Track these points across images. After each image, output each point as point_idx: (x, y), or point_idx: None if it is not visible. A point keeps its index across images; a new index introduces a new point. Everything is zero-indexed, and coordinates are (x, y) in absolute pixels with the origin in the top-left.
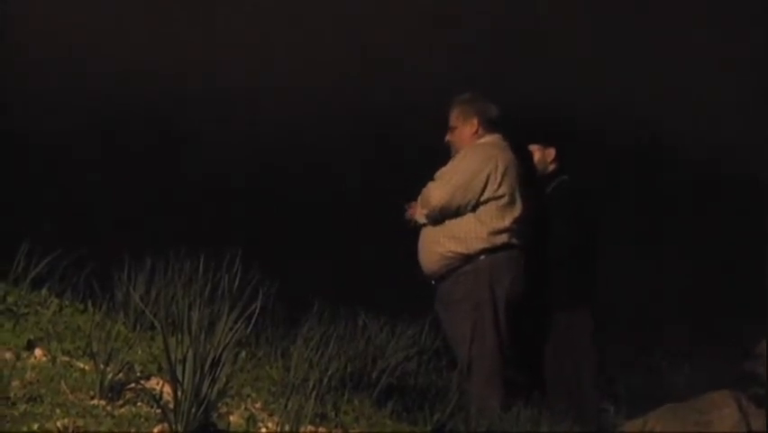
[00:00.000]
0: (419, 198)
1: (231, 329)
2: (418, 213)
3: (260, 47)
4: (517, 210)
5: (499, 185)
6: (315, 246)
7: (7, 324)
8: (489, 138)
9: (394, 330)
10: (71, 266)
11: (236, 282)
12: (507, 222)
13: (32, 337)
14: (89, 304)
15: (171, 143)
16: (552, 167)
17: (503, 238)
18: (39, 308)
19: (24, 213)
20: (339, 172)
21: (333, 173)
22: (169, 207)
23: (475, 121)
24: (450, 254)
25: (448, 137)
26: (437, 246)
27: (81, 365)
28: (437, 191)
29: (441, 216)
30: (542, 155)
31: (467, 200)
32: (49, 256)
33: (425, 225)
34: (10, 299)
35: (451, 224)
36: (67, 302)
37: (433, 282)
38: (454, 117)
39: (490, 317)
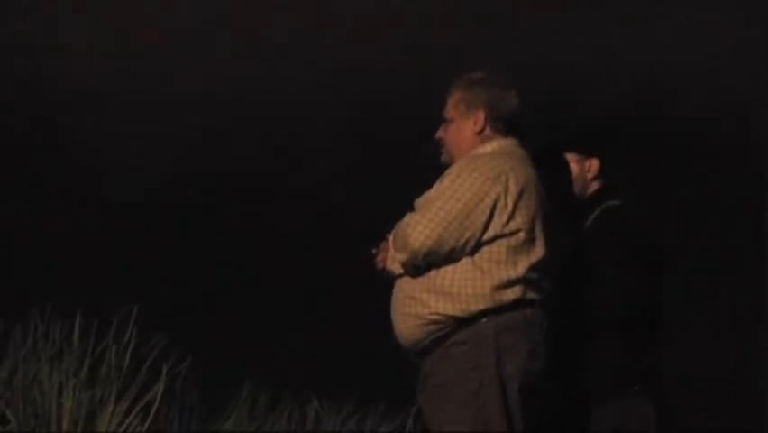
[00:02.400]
0: (392, 236)
1: (120, 424)
2: (390, 259)
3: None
4: (537, 253)
5: (510, 216)
6: (250, 298)
7: None
8: (499, 143)
9: (362, 426)
10: None
11: (128, 355)
12: (520, 270)
13: None
14: None
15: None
16: (594, 186)
17: (514, 293)
18: None
19: None
20: (306, 191)
21: (290, 190)
22: (37, 242)
23: (481, 115)
24: (436, 317)
25: (440, 133)
26: (418, 306)
27: None
28: (419, 228)
29: (424, 264)
30: (579, 168)
31: (463, 240)
32: None
33: (401, 275)
34: None
35: (438, 274)
36: None
37: (414, 358)
38: (452, 105)
39: (498, 407)
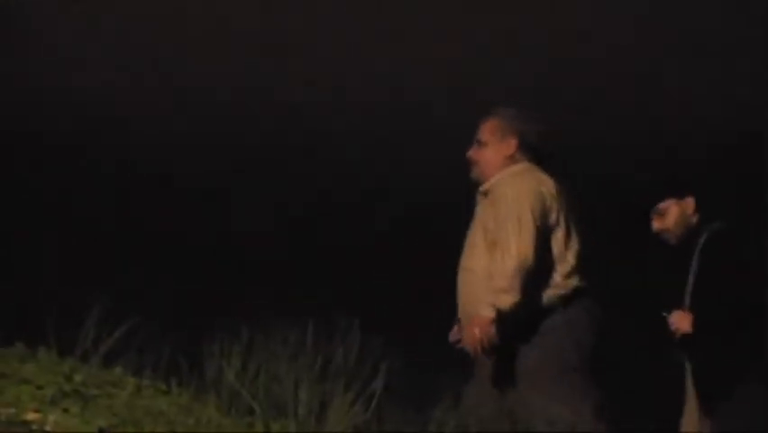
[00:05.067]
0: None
1: (346, 413)
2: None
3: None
4: (577, 244)
5: (558, 214)
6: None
7: (74, 408)
8: (524, 165)
9: None
10: (151, 338)
11: (353, 355)
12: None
13: (103, 424)
14: (173, 384)
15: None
16: (695, 219)
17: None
18: (112, 389)
19: (88, 273)
20: None
21: None
22: (266, 263)
23: (513, 142)
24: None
25: (472, 153)
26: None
27: None
28: (514, 251)
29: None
30: (679, 210)
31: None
32: (123, 325)
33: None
34: (77, 379)
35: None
36: (146, 382)
37: None
38: (488, 131)
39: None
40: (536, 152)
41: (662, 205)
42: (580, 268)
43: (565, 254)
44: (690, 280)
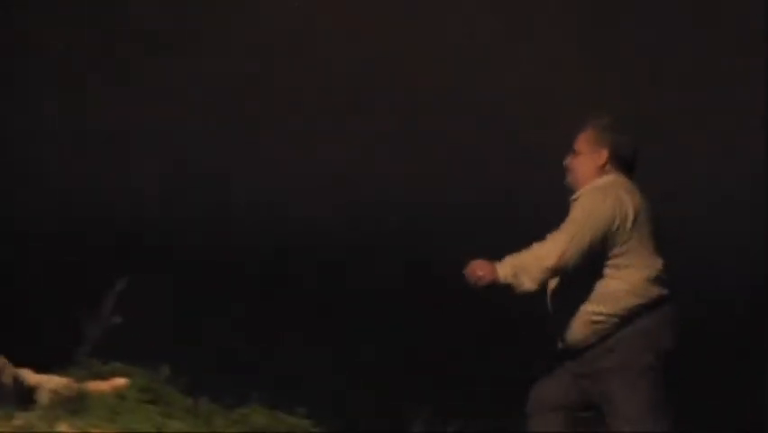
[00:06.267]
0: (518, 263)
1: None
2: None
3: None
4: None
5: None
6: None
7: None
8: (613, 176)
9: None
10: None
11: None
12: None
13: None
14: None
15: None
16: None
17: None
18: None
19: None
20: None
21: None
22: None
23: (605, 153)
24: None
25: (568, 161)
26: None
27: None
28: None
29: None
30: None
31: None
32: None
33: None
34: None
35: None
36: None
37: None
38: (583, 141)
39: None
40: (627, 162)
41: None
42: (664, 278)
43: (647, 264)
44: None
